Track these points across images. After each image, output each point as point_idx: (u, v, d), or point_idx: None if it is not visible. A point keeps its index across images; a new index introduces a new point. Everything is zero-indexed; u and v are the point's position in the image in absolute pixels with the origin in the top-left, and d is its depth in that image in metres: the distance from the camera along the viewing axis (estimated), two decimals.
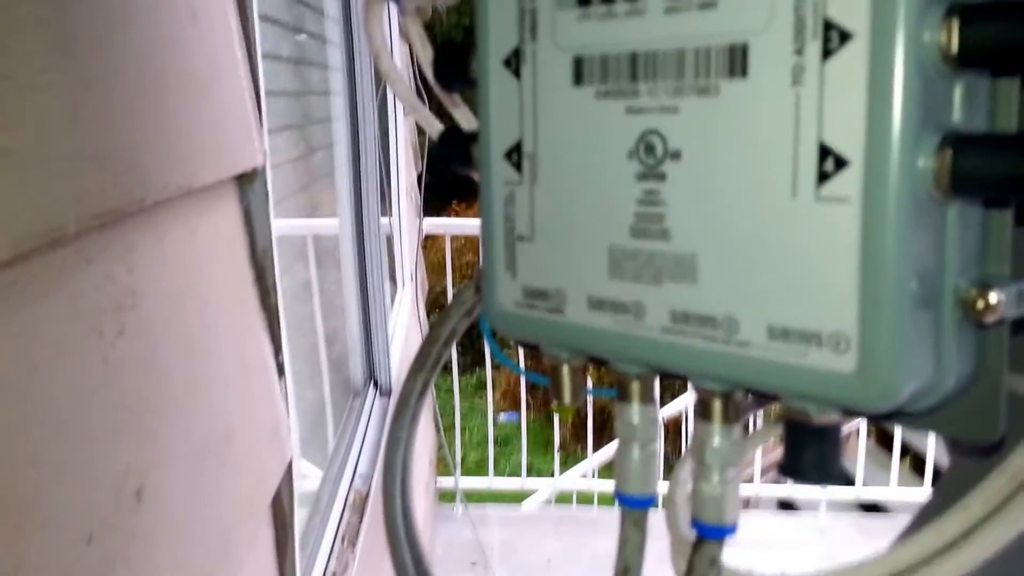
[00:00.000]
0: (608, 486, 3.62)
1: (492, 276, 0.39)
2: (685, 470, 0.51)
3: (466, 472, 3.85)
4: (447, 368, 4.03)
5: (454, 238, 3.78)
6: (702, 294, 0.33)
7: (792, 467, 0.32)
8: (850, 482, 3.41)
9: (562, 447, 4.00)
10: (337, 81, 2.16)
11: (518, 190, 0.37)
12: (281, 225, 1.89)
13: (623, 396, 0.37)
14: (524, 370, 0.44)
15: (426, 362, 0.53)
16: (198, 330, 0.74)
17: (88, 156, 0.53)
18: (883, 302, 0.29)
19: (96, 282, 0.55)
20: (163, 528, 0.63)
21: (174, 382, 0.67)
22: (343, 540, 1.61)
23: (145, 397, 0.62)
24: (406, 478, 0.53)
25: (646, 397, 0.37)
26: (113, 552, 0.55)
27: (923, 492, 3.48)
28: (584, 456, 3.81)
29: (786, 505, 3.96)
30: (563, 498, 3.72)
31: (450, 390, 3.73)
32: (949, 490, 0.39)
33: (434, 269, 4.52)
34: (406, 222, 3.13)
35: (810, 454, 0.32)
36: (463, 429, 3.83)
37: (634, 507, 0.38)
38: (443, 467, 3.76)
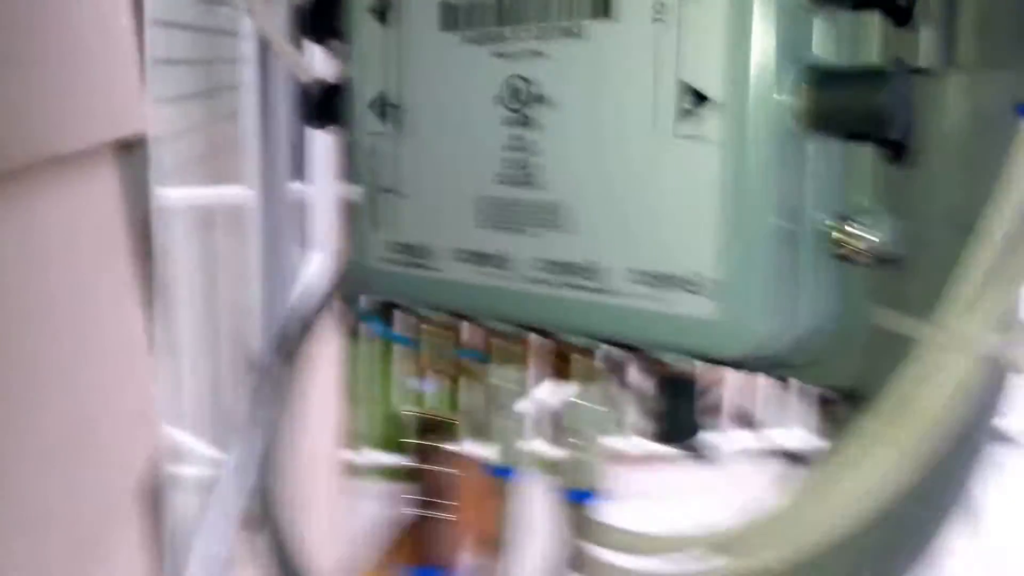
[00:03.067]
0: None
1: (357, 232, 0.39)
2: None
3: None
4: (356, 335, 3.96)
5: None
6: (566, 241, 0.33)
7: (661, 434, 0.34)
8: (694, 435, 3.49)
9: None
10: (248, 47, 2.11)
11: (383, 141, 0.37)
12: (182, 194, 1.85)
13: (492, 357, 0.37)
14: (385, 327, 0.44)
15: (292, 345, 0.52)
16: (63, 306, 0.71)
17: None
18: (743, 241, 0.29)
19: None
20: (16, 522, 0.62)
21: (33, 367, 0.65)
22: (236, 523, 1.58)
23: (4, 386, 0.60)
24: (273, 460, 0.52)
25: (513, 358, 0.37)
26: None
27: None
28: None
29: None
30: None
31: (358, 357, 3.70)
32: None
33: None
34: (324, 185, 3.08)
35: (675, 416, 0.33)
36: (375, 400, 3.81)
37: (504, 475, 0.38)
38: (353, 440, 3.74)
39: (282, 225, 2.32)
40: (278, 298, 2.27)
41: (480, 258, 0.35)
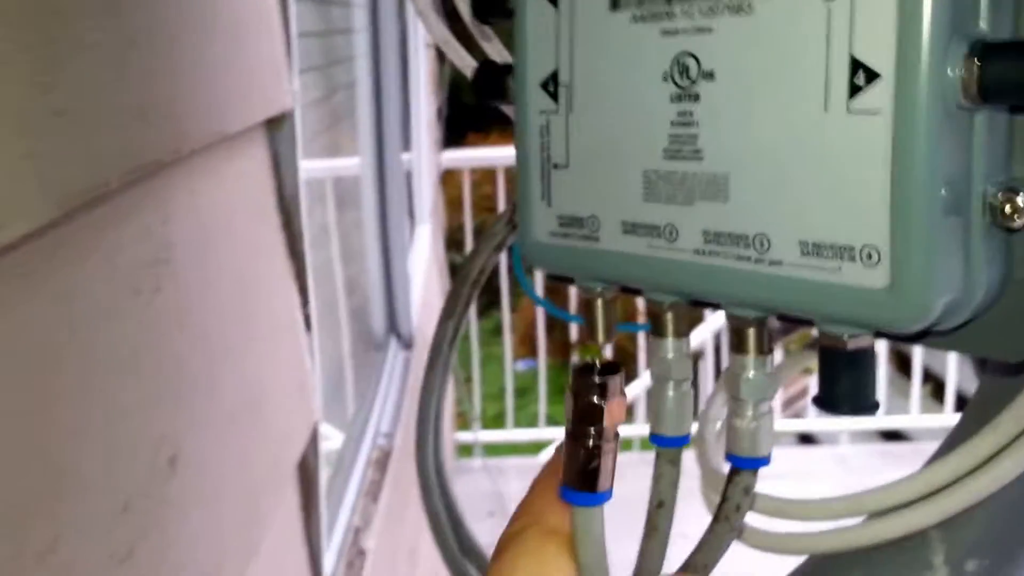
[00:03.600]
0: (624, 431, 3.64)
1: (527, 207, 0.40)
2: (715, 407, 0.53)
3: (484, 426, 3.86)
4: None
5: (472, 171, 3.77)
6: (734, 213, 0.34)
7: (826, 398, 0.33)
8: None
9: None
10: (359, 18, 2.15)
11: (554, 119, 0.39)
12: (303, 167, 1.89)
13: (657, 330, 0.38)
14: (550, 305, 0.46)
15: (456, 305, 0.53)
16: (229, 283, 0.76)
17: (132, 111, 0.55)
18: (913, 212, 0.30)
19: (133, 237, 0.58)
20: (195, 494, 0.65)
21: (207, 342, 0.70)
22: (366, 495, 1.63)
23: (180, 360, 0.64)
24: (439, 428, 0.55)
25: (680, 331, 0.38)
26: (148, 519, 0.57)
27: (944, 418, 3.51)
28: None
29: (806, 439, 3.97)
30: None
31: (466, 337, 3.75)
32: (979, 412, 0.40)
33: (450, 204, 4.52)
34: (426, 157, 3.12)
35: (844, 383, 0.33)
36: (480, 381, 3.85)
37: (668, 446, 0.39)
38: (460, 422, 3.79)
39: (394, 197, 2.36)
40: (393, 271, 2.32)
41: (648, 230, 0.36)
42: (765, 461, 0.36)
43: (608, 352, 0.43)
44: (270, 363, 0.86)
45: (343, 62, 2.13)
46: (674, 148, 0.35)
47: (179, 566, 0.63)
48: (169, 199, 0.63)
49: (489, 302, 4.46)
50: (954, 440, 0.40)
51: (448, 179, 4.16)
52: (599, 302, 0.40)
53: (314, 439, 1.03)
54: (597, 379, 0.31)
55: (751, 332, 0.35)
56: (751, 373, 0.35)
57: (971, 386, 0.44)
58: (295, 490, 0.98)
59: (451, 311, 0.54)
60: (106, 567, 0.52)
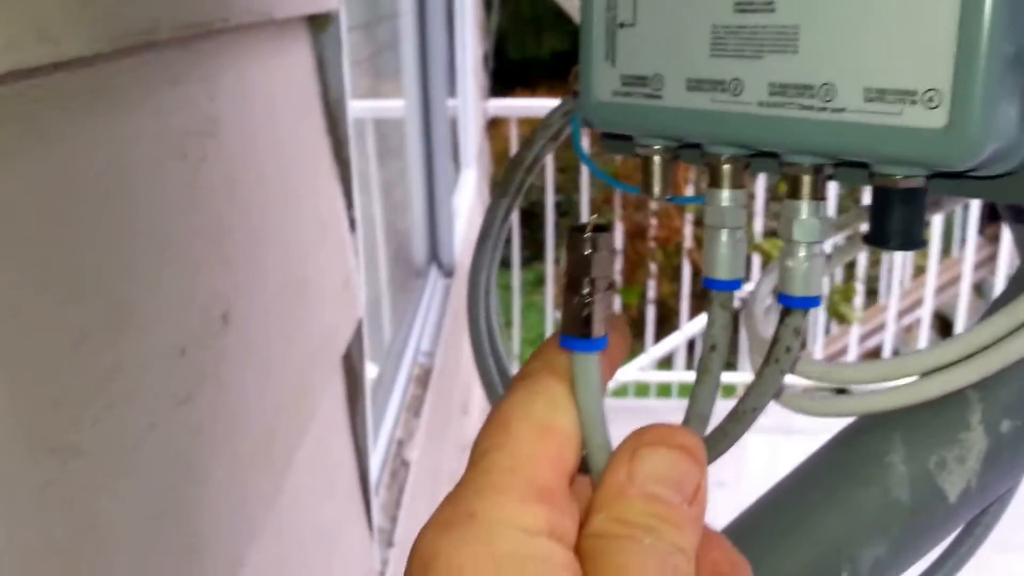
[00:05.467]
0: (666, 376, 3.80)
1: (590, 68, 0.41)
2: (763, 287, 0.53)
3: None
4: (505, 263, 4.09)
5: (520, 122, 3.79)
6: (802, 63, 0.34)
7: (878, 235, 0.35)
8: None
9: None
10: None
11: None
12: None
13: (714, 181, 0.39)
14: (603, 172, 0.47)
15: (509, 187, 0.55)
16: (274, 170, 0.77)
17: None
18: (977, 58, 0.30)
19: (180, 103, 0.58)
20: (248, 352, 0.67)
21: (253, 217, 0.71)
22: (408, 409, 1.67)
23: (227, 227, 0.65)
24: (489, 300, 0.56)
25: (736, 182, 0.39)
26: (204, 366, 0.59)
27: None
28: (641, 350, 3.91)
29: (841, 391, 4.00)
30: (619, 392, 3.87)
31: (508, 286, 3.80)
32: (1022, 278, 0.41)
33: (497, 158, 4.54)
34: (471, 103, 3.13)
35: (895, 220, 0.34)
36: (520, 326, 3.91)
37: (721, 290, 0.40)
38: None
39: (438, 140, 2.38)
40: (437, 204, 2.34)
41: (714, 85, 0.37)
42: (816, 301, 0.37)
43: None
44: (314, 253, 0.87)
45: (388, 17, 2.13)
46: (745, 1, 0.35)
47: (234, 419, 0.65)
48: (215, 75, 0.64)
49: (532, 255, 4.47)
50: (997, 305, 0.40)
51: (495, 132, 4.18)
52: (656, 159, 0.41)
53: (359, 335, 1.04)
54: (588, 234, 0.33)
55: (806, 178, 0.36)
56: (804, 215, 0.36)
57: None
58: (341, 381, 1.00)
59: (505, 190, 0.55)
60: (167, 406, 0.54)
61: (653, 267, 4.13)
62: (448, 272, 2.37)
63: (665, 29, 0.38)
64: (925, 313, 3.82)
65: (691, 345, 4.03)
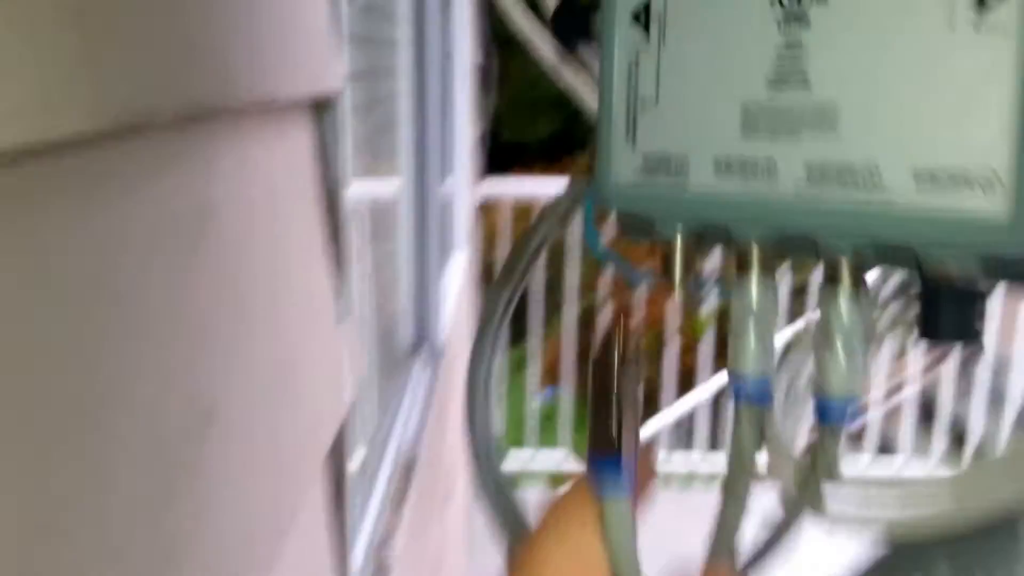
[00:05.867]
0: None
1: (608, 149, 0.39)
2: (783, 379, 0.50)
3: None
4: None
5: (514, 204, 3.78)
6: (842, 142, 0.32)
7: (930, 328, 0.32)
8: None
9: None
10: (404, 31, 2.16)
11: (644, 53, 0.37)
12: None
13: (742, 268, 0.37)
14: (618, 257, 0.44)
15: (512, 275, 0.52)
16: (269, 257, 0.74)
17: (182, 42, 0.53)
18: None
19: (178, 187, 0.56)
20: (231, 452, 0.64)
21: (245, 306, 0.68)
22: (392, 502, 1.62)
23: (217, 316, 0.62)
24: (489, 400, 0.53)
25: (767, 269, 0.37)
26: (185, 467, 0.56)
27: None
28: None
29: None
30: None
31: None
32: None
33: (488, 239, 4.53)
34: (464, 184, 3.13)
35: (950, 313, 0.32)
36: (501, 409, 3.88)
37: (750, 394, 0.37)
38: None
39: (431, 223, 2.36)
40: (427, 285, 2.31)
41: (745, 166, 0.35)
42: (854, 404, 0.35)
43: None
44: (304, 344, 0.84)
45: (385, 75, 2.12)
46: (779, 77, 0.34)
47: (214, 523, 0.61)
48: (214, 159, 0.61)
49: (515, 334, 4.44)
50: None
51: (487, 214, 4.19)
52: (679, 247, 0.38)
53: (344, 431, 1.00)
54: (617, 354, 0.32)
55: (846, 263, 0.34)
56: (843, 306, 0.34)
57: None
58: (325, 479, 0.96)
59: (506, 280, 0.51)
60: (144, 509, 0.51)
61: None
62: (436, 355, 2.33)
63: (691, 107, 0.36)
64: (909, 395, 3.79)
65: (677, 425, 3.98)
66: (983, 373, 3.62)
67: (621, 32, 0.38)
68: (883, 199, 0.32)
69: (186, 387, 0.56)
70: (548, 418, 4.15)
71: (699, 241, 0.38)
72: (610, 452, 0.32)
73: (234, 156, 0.66)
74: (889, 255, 0.34)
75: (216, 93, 0.58)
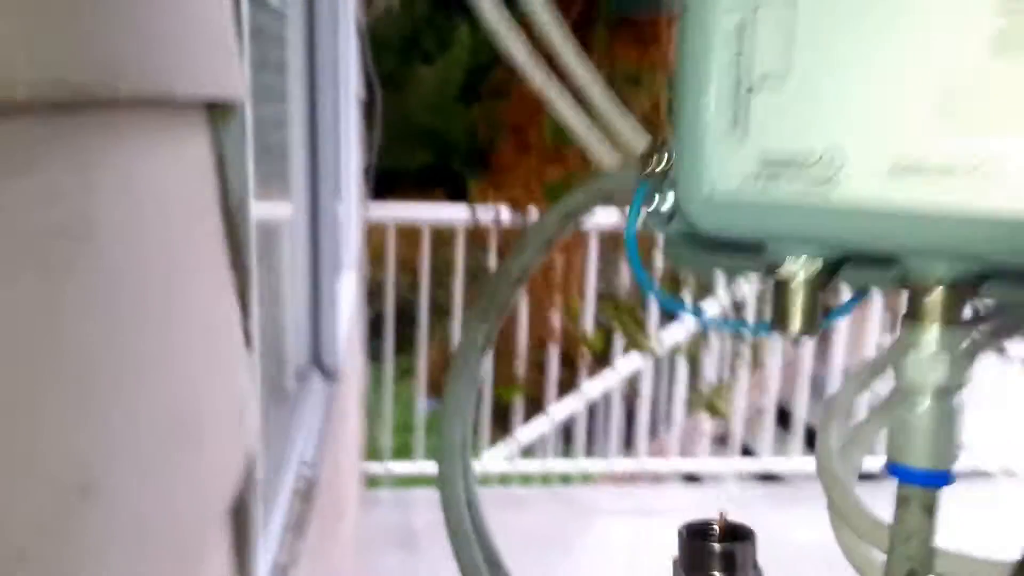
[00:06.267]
0: (531, 466, 3.67)
1: (700, 147, 0.24)
2: (834, 421, 0.36)
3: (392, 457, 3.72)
4: (376, 356, 3.91)
5: (397, 227, 3.70)
6: None
7: None
8: None
9: (478, 431, 3.92)
10: (295, 55, 1.98)
11: (764, 13, 0.22)
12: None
13: (916, 314, 0.23)
14: (670, 298, 0.28)
15: (491, 308, 0.38)
16: (160, 285, 0.56)
17: (50, 19, 0.36)
18: None
19: (42, 195, 0.38)
20: (115, 530, 0.46)
21: (131, 345, 0.50)
22: (293, 530, 1.43)
23: (96, 362, 0.44)
24: (466, 456, 0.37)
25: (951, 315, 0.22)
26: (55, 564, 0.39)
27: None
28: (503, 438, 3.76)
29: (691, 478, 3.95)
30: (484, 480, 3.66)
31: (379, 379, 3.67)
32: None
33: (372, 260, 4.37)
34: (353, 208, 2.97)
35: None
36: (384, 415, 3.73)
37: (920, 484, 0.23)
38: (369, 452, 3.65)
39: (325, 244, 2.19)
40: (321, 307, 2.14)
41: (942, 170, 0.20)
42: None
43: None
44: (204, 382, 0.66)
45: (275, 101, 1.94)
46: (1009, 39, 0.19)
47: None
48: (94, 163, 0.44)
49: (397, 347, 4.29)
50: None
51: (372, 235, 4.06)
52: (801, 278, 0.23)
53: (250, 476, 0.82)
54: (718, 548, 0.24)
55: None
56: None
57: None
58: (227, 535, 0.77)
59: (484, 315, 0.37)
60: None
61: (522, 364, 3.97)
62: (331, 376, 2.14)
63: (847, 84, 0.21)
64: (769, 404, 3.79)
65: (560, 431, 3.87)
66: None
67: None
68: None
69: (52, 462, 0.39)
70: (431, 428, 3.99)
71: (835, 272, 0.23)
72: None
73: (118, 160, 0.48)
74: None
75: (96, 75, 0.40)
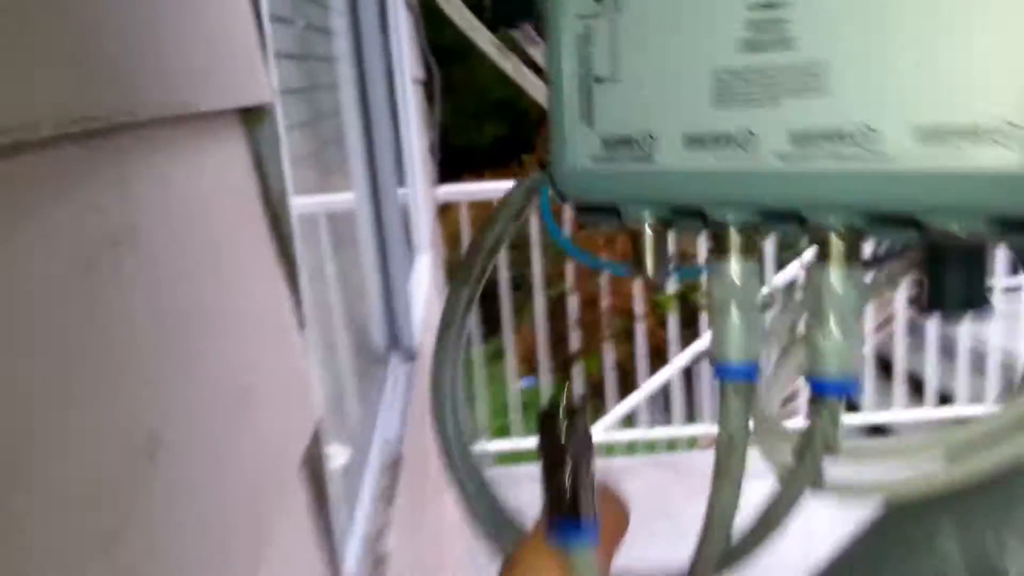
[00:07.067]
0: (630, 435, 3.75)
1: (562, 133, 0.33)
2: (781, 368, 0.44)
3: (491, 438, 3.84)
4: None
5: (470, 206, 3.75)
6: (832, 105, 0.27)
7: (934, 299, 0.28)
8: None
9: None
10: (342, 45, 2.08)
11: (597, 24, 0.30)
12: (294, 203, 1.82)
13: (721, 250, 0.31)
14: (581, 252, 0.37)
15: (470, 275, 0.47)
16: (209, 275, 0.66)
17: (65, 55, 0.45)
18: None
19: (83, 212, 0.48)
20: (183, 481, 0.56)
21: (185, 329, 0.60)
22: (380, 500, 1.55)
23: (152, 342, 0.54)
24: (456, 397, 0.46)
25: (748, 249, 0.31)
26: (129, 505, 0.48)
27: (923, 412, 3.61)
28: (604, 410, 3.85)
29: None
30: None
31: (469, 361, 3.75)
32: None
33: (449, 240, 4.48)
34: (421, 191, 3.07)
35: (957, 281, 0.27)
36: (483, 398, 3.84)
37: (734, 377, 0.31)
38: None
39: (391, 229, 2.30)
40: (394, 291, 2.25)
41: (718, 140, 0.29)
42: (853, 385, 0.30)
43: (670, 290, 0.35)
44: (260, 359, 0.76)
45: (327, 89, 2.05)
46: (755, 38, 0.27)
47: (171, 557, 0.54)
48: (129, 177, 0.53)
49: (489, 330, 4.40)
50: None
51: (445, 217, 4.14)
52: (649, 231, 0.31)
53: (317, 438, 0.93)
54: (563, 420, 0.29)
55: (837, 240, 0.29)
56: (836, 283, 0.29)
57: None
58: (303, 491, 0.88)
59: (464, 280, 0.46)
60: (85, 556, 0.44)
61: (607, 332, 4.06)
62: (410, 357, 2.26)
63: (654, 80, 0.30)
64: (864, 354, 3.78)
65: (652, 401, 3.94)
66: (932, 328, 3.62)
67: (568, 3, 0.31)
68: (881, 163, 0.26)
69: (121, 421, 0.48)
70: (528, 407, 4.11)
71: (670, 225, 0.32)
72: (568, 515, 0.29)
73: (153, 174, 0.58)
74: (886, 224, 0.28)
75: (115, 105, 0.50)
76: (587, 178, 0.32)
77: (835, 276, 0.28)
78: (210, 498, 0.60)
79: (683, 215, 0.32)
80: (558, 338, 4.13)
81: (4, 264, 0.40)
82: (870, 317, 3.79)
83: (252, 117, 0.81)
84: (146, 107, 0.53)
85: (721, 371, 0.31)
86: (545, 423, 0.28)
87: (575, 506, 0.28)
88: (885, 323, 4.17)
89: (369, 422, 1.82)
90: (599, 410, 3.86)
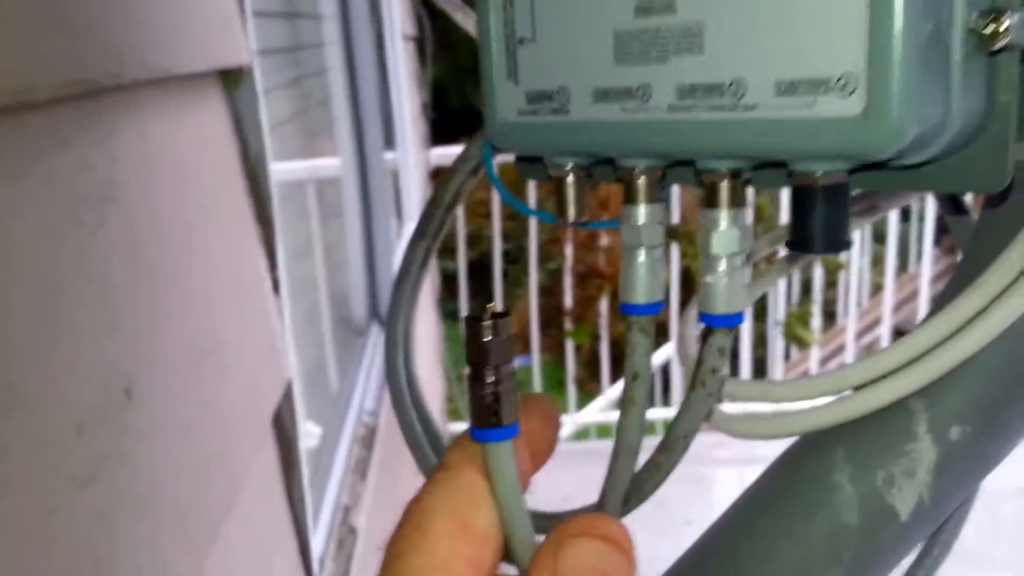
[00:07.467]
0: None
1: (492, 89, 0.39)
2: (693, 310, 0.51)
3: None
4: (454, 315, 4.05)
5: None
6: (709, 62, 0.33)
7: (800, 239, 0.33)
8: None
9: (577, 384, 4.07)
10: (328, 5, 2.14)
11: None
12: (276, 168, 1.88)
13: (629, 197, 0.37)
14: (519, 201, 0.45)
15: (428, 228, 0.53)
16: (186, 234, 0.74)
17: (54, 23, 0.53)
18: (892, 36, 0.29)
19: (73, 167, 0.55)
20: (157, 426, 0.64)
21: (160, 283, 0.68)
22: (353, 473, 1.62)
23: (130, 295, 0.62)
24: (408, 346, 0.53)
25: (651, 196, 0.37)
26: (106, 444, 0.56)
27: None
28: (599, 391, 3.91)
29: None
30: (581, 435, 3.83)
31: (459, 339, 3.79)
32: (965, 274, 0.39)
33: None
34: (412, 154, 3.12)
35: (818, 221, 0.33)
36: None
37: (640, 314, 0.38)
38: (456, 415, 3.85)
39: (377, 195, 2.35)
40: (377, 261, 2.31)
41: (621, 94, 0.35)
42: (739, 318, 0.36)
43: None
44: (233, 317, 0.84)
45: (313, 48, 2.11)
46: (645, 3, 0.34)
47: (145, 498, 0.61)
48: (113, 135, 0.61)
49: (483, 304, 4.42)
50: (938, 306, 0.39)
51: (440, 179, 4.18)
52: (570, 180, 0.39)
53: (289, 398, 1.01)
54: (486, 322, 0.32)
55: (723, 185, 0.35)
56: (723, 226, 0.35)
57: None
58: (273, 447, 0.96)
59: (423, 233, 0.52)
60: (66, 489, 0.51)
61: (604, 306, 4.11)
62: None
63: (566, 41, 0.36)
64: (884, 331, 3.84)
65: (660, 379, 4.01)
66: None
67: None
68: (748, 114, 0.32)
69: (99, 366, 0.56)
70: (520, 387, 4.15)
71: (589, 174, 0.39)
72: (491, 425, 0.33)
73: (136, 133, 0.65)
74: (764, 169, 0.34)
75: (100, 69, 0.57)
76: (515, 130, 0.39)
77: (721, 218, 0.35)
78: (183, 444, 0.68)
79: (597, 163, 0.38)
80: (549, 317, 4.19)
81: (7, 207, 0.47)
82: (892, 294, 3.83)
83: (230, 79, 0.89)
84: (128, 69, 0.61)
85: (627, 309, 0.38)
86: (469, 329, 0.33)
87: (496, 411, 0.33)
88: (908, 299, 4.23)
89: (345, 393, 1.89)
90: (594, 391, 3.91)
